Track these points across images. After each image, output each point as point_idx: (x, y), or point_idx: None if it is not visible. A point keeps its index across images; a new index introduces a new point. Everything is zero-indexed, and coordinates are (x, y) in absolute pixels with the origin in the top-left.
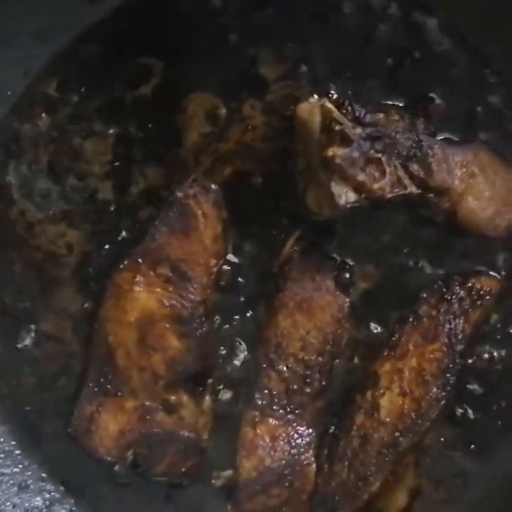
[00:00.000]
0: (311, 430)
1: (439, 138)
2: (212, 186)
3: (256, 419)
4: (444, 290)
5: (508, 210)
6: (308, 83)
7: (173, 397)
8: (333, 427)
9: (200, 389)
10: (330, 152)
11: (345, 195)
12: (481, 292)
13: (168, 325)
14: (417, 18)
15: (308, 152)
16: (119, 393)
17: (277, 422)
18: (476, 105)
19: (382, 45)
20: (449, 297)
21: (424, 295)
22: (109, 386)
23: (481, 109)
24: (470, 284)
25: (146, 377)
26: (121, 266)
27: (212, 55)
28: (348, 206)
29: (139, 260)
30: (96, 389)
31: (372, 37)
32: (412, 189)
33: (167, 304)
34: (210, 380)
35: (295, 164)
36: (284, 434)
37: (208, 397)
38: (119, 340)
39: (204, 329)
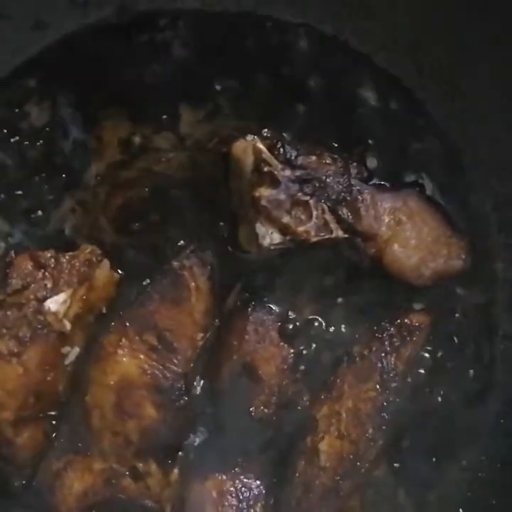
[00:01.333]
0: (259, 482)
1: (371, 183)
2: (210, 259)
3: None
4: (375, 328)
5: (433, 258)
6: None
7: (142, 465)
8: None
9: (170, 461)
10: (257, 193)
11: (270, 237)
12: (411, 328)
13: (146, 393)
14: (357, 66)
15: (241, 190)
16: (89, 453)
17: (225, 477)
18: (410, 152)
19: (323, 92)
20: (380, 335)
21: (357, 335)
22: (79, 444)
23: (415, 156)
24: (399, 321)
25: (117, 441)
26: (110, 328)
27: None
28: (272, 247)
29: (127, 324)
30: (66, 445)
31: (313, 84)
32: (339, 233)
33: (148, 372)
34: (180, 453)
35: (229, 200)
36: (232, 489)
37: (176, 470)
38: (96, 401)
39: (182, 402)
